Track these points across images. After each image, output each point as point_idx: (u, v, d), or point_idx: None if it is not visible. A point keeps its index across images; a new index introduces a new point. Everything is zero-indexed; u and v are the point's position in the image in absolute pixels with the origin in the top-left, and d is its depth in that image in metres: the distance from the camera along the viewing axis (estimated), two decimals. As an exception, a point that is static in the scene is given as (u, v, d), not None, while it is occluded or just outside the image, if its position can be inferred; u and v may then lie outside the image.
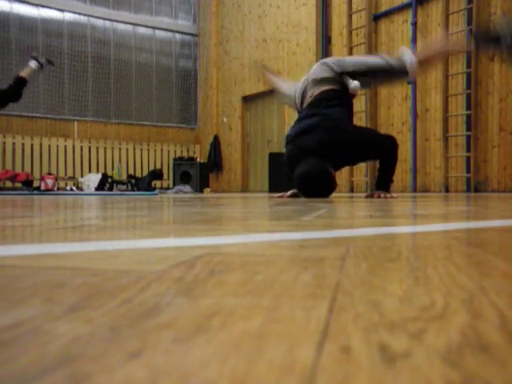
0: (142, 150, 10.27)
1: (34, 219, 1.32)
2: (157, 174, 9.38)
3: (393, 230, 0.93)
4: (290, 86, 4.14)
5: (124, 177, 9.66)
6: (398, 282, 0.41)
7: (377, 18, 6.72)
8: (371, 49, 6.68)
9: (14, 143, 9.09)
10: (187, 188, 8.62)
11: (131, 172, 10.01)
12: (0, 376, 0.20)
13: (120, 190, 8.63)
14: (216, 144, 10.17)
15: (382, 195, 3.36)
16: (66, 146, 9.54)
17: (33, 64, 5.76)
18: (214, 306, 0.32)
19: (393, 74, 3.68)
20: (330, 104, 3.53)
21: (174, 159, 9.50)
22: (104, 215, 1.55)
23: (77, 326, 0.28)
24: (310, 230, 0.94)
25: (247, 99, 9.52)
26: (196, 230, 0.93)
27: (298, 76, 7.97)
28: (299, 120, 3.64)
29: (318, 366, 0.21)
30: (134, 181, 9.26)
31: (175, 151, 10.58)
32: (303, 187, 3.42)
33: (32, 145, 9.24)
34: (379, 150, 3.46)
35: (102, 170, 9.73)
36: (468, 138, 5.64)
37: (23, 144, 9.18)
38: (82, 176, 9.30)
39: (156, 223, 1.19)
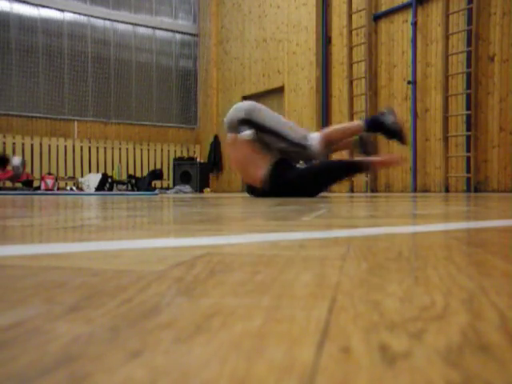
0: (142, 149, 10.27)
1: (34, 219, 1.32)
2: (157, 174, 9.38)
3: (393, 230, 0.93)
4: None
5: (124, 177, 9.66)
6: (397, 282, 0.41)
7: (377, 17, 6.72)
8: (371, 48, 6.68)
9: (14, 143, 9.08)
10: (187, 188, 8.62)
11: (131, 172, 10.01)
12: (0, 376, 0.20)
13: (120, 190, 8.63)
14: (216, 144, 10.16)
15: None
16: (66, 146, 9.54)
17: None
18: (214, 305, 0.32)
19: (295, 145, 3.89)
20: None
21: (174, 159, 9.50)
22: (104, 215, 1.55)
23: (77, 326, 0.28)
24: (310, 230, 0.94)
25: (247, 99, 9.51)
26: (196, 230, 0.93)
27: (299, 76, 8.01)
28: None
29: (318, 366, 0.21)
30: (134, 181, 9.26)
31: (175, 151, 10.58)
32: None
33: (32, 145, 9.24)
34: None
35: (102, 169, 9.73)
36: (468, 138, 5.64)
37: (23, 144, 9.18)
38: (82, 176, 9.30)
39: (156, 223, 1.19)
